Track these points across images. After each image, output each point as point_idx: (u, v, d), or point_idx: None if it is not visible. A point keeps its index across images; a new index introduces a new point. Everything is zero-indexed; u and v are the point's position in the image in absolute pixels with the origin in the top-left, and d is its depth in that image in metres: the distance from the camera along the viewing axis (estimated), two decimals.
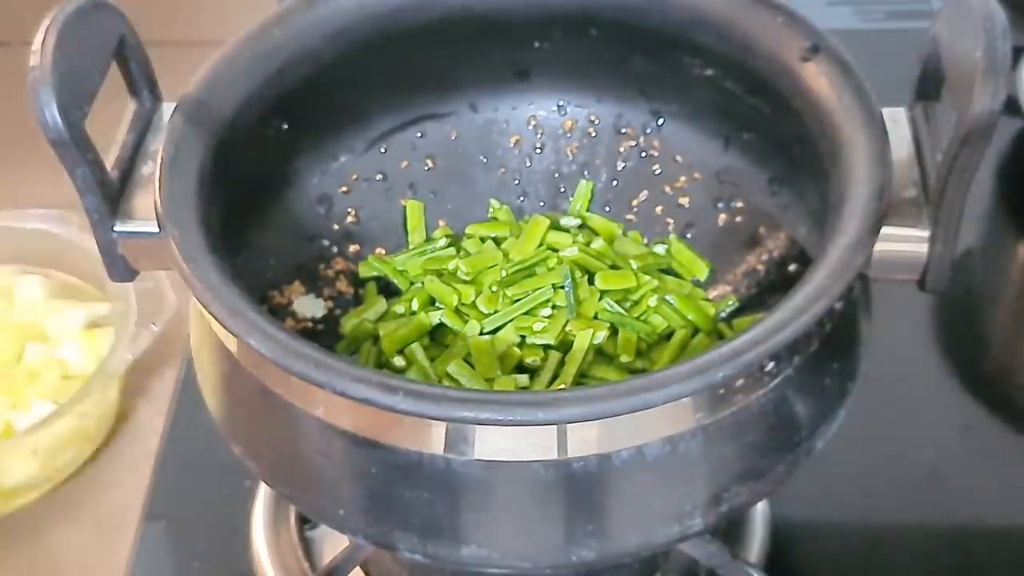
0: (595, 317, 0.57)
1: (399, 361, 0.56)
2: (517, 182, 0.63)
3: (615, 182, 0.62)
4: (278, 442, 0.49)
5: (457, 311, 0.57)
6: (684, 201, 0.61)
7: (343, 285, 0.60)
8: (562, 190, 0.63)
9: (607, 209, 0.62)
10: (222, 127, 0.52)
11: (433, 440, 0.45)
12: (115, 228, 0.51)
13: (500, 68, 0.61)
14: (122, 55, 0.53)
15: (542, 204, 0.63)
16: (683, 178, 0.61)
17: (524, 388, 0.54)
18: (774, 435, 0.48)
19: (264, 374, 0.47)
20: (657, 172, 0.61)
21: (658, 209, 0.61)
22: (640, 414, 0.42)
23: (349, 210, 0.61)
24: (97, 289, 0.80)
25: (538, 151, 0.63)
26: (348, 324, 0.58)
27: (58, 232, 0.79)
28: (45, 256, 0.80)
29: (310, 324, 0.57)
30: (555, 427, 0.44)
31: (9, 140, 0.78)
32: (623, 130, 0.62)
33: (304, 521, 0.65)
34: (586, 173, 0.62)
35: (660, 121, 0.61)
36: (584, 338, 0.55)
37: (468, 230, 0.61)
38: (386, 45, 0.57)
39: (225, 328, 0.45)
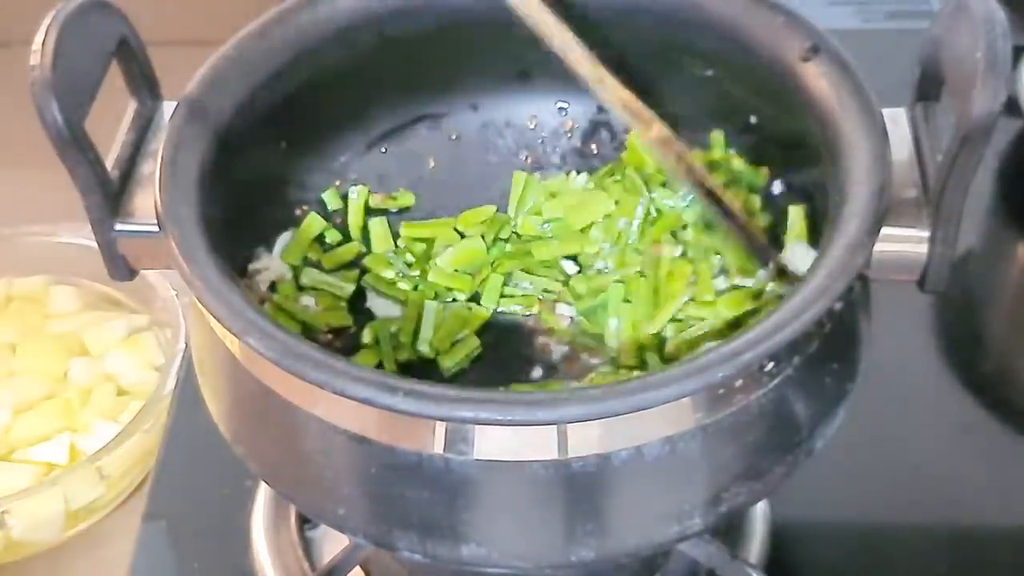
0: None
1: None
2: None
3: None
4: (278, 442, 0.49)
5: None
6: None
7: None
8: None
9: None
10: (222, 127, 0.52)
11: (433, 440, 0.45)
12: (115, 227, 0.51)
13: (501, 68, 0.61)
14: (122, 55, 0.53)
15: None
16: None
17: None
18: (774, 435, 0.48)
19: (264, 374, 0.47)
20: None
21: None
22: (640, 414, 0.42)
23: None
24: (130, 299, 0.80)
25: (540, 152, 0.63)
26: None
27: (87, 243, 0.77)
28: (76, 267, 0.80)
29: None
30: (555, 427, 0.44)
31: (9, 140, 0.78)
32: (624, 131, 0.62)
33: (304, 521, 0.65)
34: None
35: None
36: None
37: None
38: (386, 45, 0.57)
39: (225, 328, 0.45)
